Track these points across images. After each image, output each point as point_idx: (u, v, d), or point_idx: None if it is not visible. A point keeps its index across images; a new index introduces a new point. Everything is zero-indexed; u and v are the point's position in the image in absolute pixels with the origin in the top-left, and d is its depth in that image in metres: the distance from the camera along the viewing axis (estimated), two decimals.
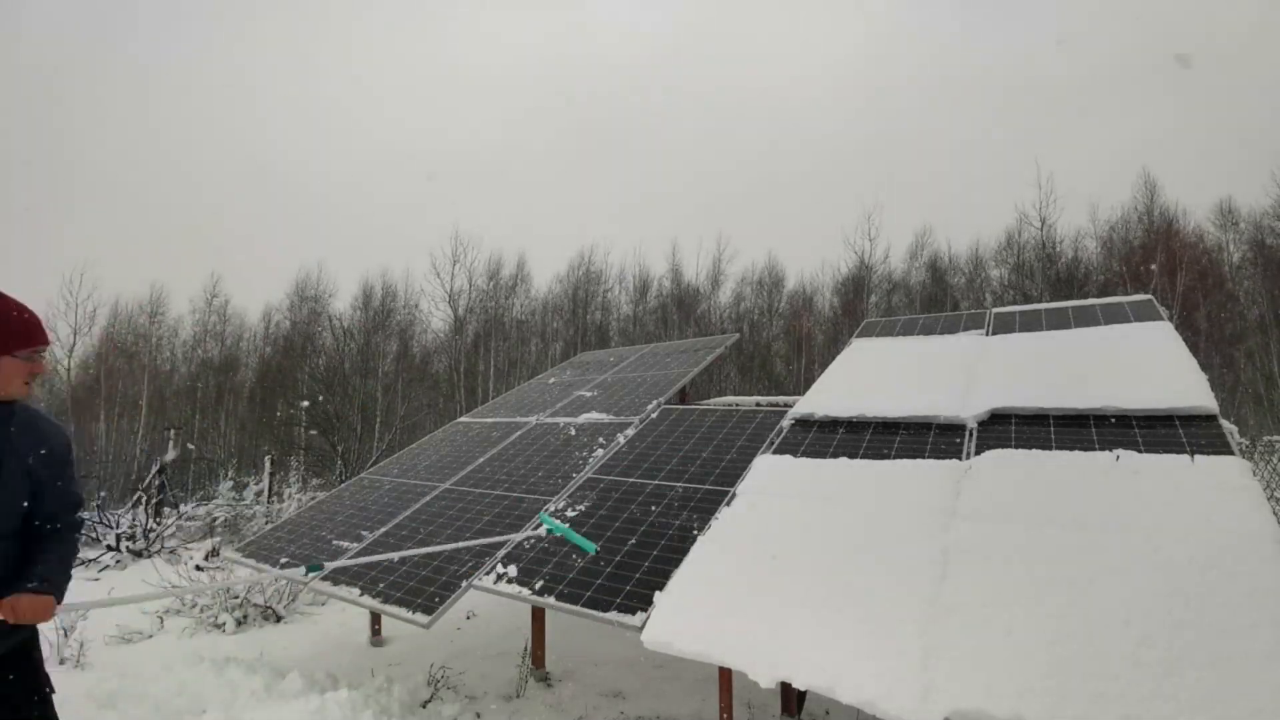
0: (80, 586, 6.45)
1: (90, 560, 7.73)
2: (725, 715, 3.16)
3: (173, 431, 16.06)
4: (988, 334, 4.83)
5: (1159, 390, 3.21)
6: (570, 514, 3.68)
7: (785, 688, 3.44)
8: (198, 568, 6.80)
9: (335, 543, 4.09)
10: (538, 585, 3.08)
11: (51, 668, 4.36)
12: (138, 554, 8.16)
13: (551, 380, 7.05)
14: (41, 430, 1.81)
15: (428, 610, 3.11)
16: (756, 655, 2.27)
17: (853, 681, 2.05)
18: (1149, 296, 4.86)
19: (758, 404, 5.39)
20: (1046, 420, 3.30)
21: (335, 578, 3.64)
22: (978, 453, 3.14)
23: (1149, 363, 3.62)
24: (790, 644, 2.27)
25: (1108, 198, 26.52)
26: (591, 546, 2.88)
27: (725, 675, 3.17)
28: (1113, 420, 3.14)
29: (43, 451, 1.78)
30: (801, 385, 22.56)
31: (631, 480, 3.92)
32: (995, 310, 5.45)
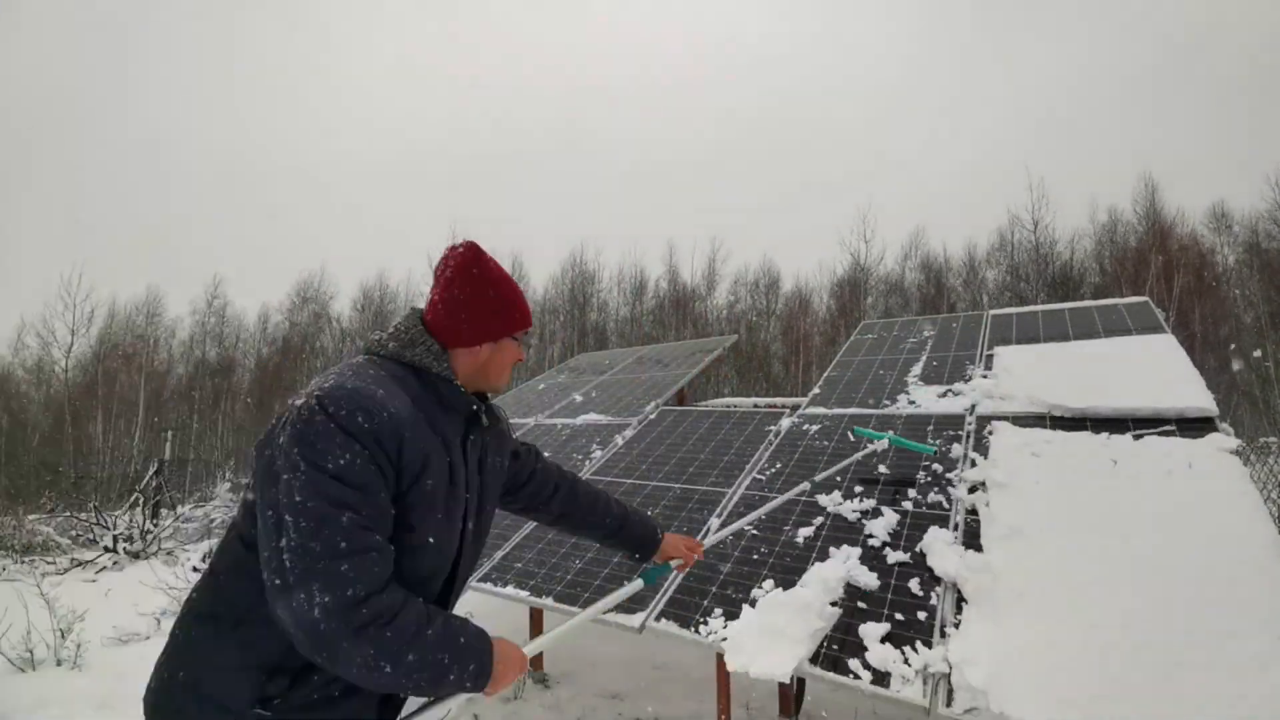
0: (78, 587, 6.44)
1: (87, 562, 7.71)
2: (724, 716, 3.16)
3: (170, 433, 16.04)
4: (984, 337, 4.84)
5: (1157, 397, 3.22)
6: None
7: (783, 686, 3.44)
8: (195, 569, 6.78)
9: None
10: (535, 586, 3.08)
11: (49, 669, 4.38)
12: (135, 555, 8.14)
13: (549, 382, 7.05)
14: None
15: None
16: None
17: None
18: (1145, 299, 4.88)
19: (755, 405, 5.40)
20: (1044, 422, 3.31)
21: None
22: None
23: (1147, 368, 3.63)
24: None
25: (1104, 199, 26.61)
26: (930, 449, 3.16)
27: (723, 675, 3.18)
28: (1109, 425, 3.15)
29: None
30: (800, 387, 22.59)
31: (629, 481, 3.92)
32: (992, 312, 5.47)
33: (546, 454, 4.62)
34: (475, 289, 1.24)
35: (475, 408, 1.26)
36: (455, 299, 1.24)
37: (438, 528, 1.15)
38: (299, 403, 1.05)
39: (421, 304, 1.32)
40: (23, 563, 7.85)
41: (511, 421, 5.69)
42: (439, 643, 1.02)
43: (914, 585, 2.40)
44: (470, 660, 1.06)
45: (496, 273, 1.28)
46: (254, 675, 1.05)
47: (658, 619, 2.60)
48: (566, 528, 1.76)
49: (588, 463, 4.34)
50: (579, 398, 5.96)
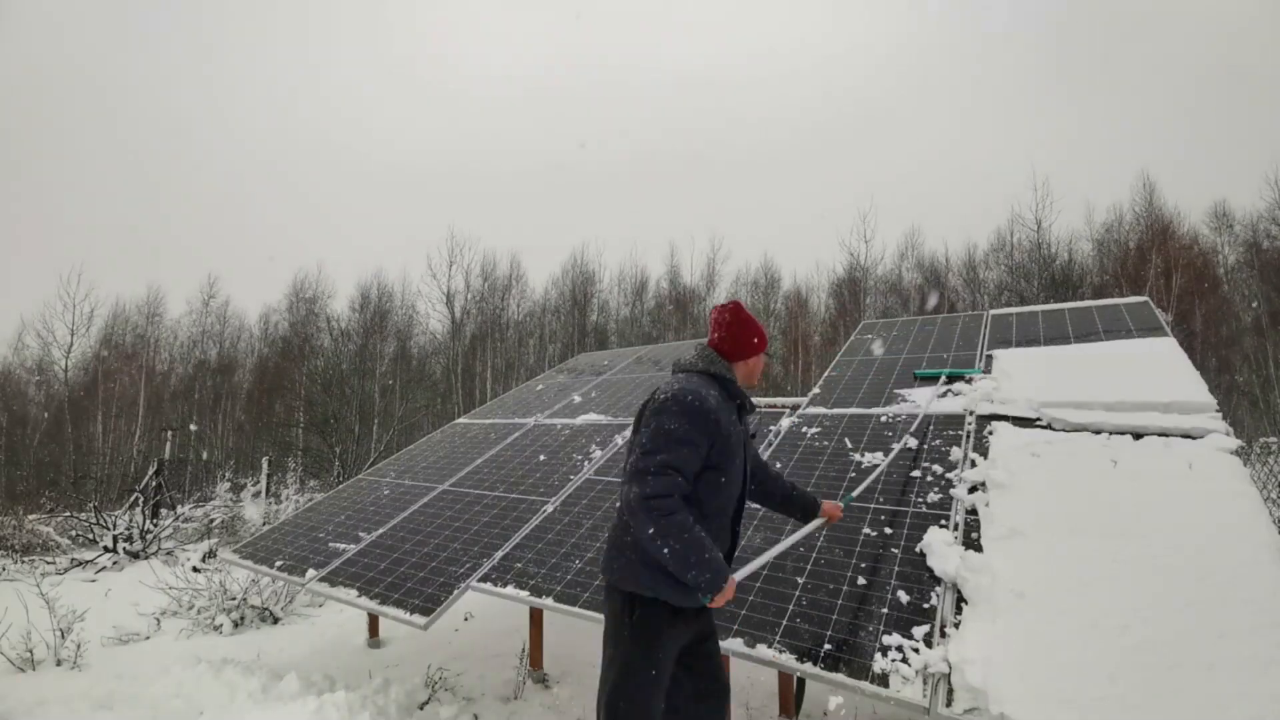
0: (77, 587, 6.44)
1: (87, 562, 7.71)
2: None
3: (169, 433, 16.04)
4: (984, 337, 4.84)
5: (1156, 395, 3.22)
6: (568, 515, 3.68)
7: (783, 687, 3.44)
8: (195, 569, 6.78)
9: (333, 544, 4.08)
10: (535, 586, 3.08)
11: (49, 669, 4.37)
12: (135, 555, 8.14)
13: (549, 382, 7.05)
14: None
15: (425, 611, 3.11)
16: None
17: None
18: (1145, 299, 4.88)
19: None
20: (1044, 424, 3.31)
21: (332, 579, 3.64)
22: None
23: (1148, 372, 3.63)
24: None
25: (1103, 199, 26.62)
26: None
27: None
28: (1109, 425, 3.15)
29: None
30: (800, 387, 22.58)
31: None
32: (992, 312, 5.47)
33: (542, 457, 4.65)
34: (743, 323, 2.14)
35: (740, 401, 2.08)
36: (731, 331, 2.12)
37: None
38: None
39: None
40: (23, 563, 7.85)
41: (511, 422, 5.70)
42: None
43: (914, 585, 2.40)
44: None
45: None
46: None
47: None
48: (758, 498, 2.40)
49: (587, 463, 4.34)
50: (578, 398, 5.96)
